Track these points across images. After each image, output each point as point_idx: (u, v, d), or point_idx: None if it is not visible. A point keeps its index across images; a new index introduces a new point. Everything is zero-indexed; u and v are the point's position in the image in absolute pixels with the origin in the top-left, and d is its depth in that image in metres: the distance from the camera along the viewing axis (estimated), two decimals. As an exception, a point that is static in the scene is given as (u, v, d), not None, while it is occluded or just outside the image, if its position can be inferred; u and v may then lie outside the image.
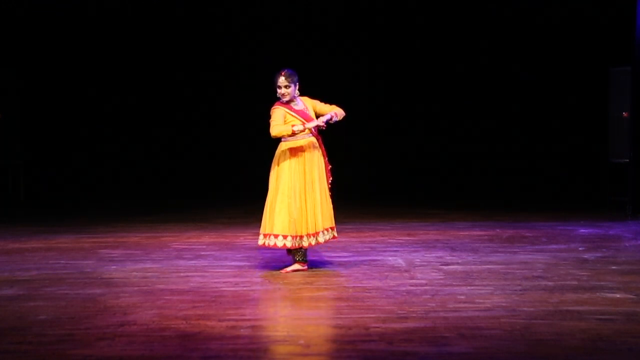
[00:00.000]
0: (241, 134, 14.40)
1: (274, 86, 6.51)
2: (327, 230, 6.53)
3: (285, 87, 6.46)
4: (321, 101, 6.66)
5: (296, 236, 6.43)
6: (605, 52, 13.13)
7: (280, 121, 6.45)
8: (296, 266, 6.59)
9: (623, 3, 11.89)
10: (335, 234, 6.64)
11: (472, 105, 14.55)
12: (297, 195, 6.43)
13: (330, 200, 6.58)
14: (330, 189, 6.60)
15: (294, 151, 6.48)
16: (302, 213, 6.42)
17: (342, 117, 6.57)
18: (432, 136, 14.72)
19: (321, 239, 6.50)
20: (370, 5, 14.32)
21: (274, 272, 6.60)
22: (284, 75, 6.47)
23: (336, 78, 13.95)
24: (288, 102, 6.53)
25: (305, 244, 6.47)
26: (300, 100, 6.61)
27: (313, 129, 6.47)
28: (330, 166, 6.63)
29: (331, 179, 6.63)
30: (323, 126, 6.47)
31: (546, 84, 14.23)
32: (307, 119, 6.48)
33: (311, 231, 6.47)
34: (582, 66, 13.75)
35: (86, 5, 13.93)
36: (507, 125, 14.48)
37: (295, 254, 6.58)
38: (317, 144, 6.56)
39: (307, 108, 6.57)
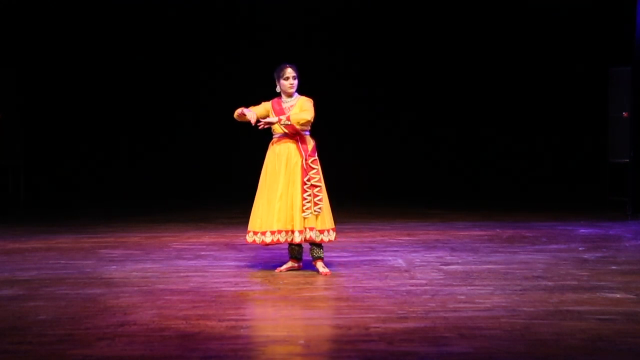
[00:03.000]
0: (242, 134, 14.39)
1: (276, 80, 6.49)
2: (275, 232, 6.34)
3: (294, 77, 6.45)
4: (312, 105, 6.45)
5: (250, 231, 6.47)
6: (605, 52, 13.13)
7: (258, 108, 6.54)
8: (289, 264, 6.63)
9: (623, 3, 11.90)
10: (287, 238, 6.36)
11: (472, 105, 14.55)
12: (264, 191, 6.47)
13: (298, 202, 6.31)
14: (316, 187, 6.35)
15: (269, 148, 6.55)
16: (260, 209, 6.44)
17: (297, 121, 6.31)
18: (432, 136, 14.72)
19: (267, 239, 6.36)
20: (361, 6, 14.31)
21: (274, 272, 6.60)
22: (291, 67, 6.46)
23: (336, 78, 13.96)
24: (285, 97, 6.50)
25: (250, 239, 6.45)
26: (296, 98, 6.53)
27: (285, 129, 6.38)
28: (313, 169, 6.37)
29: (314, 178, 6.35)
30: (267, 124, 6.40)
31: (546, 84, 14.23)
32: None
33: (257, 229, 6.41)
34: (582, 66, 13.75)
35: (87, 5, 13.92)
36: (507, 125, 14.48)
37: (290, 251, 6.63)
38: (294, 143, 6.43)
39: (291, 108, 6.45)
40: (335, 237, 6.54)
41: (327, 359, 4.18)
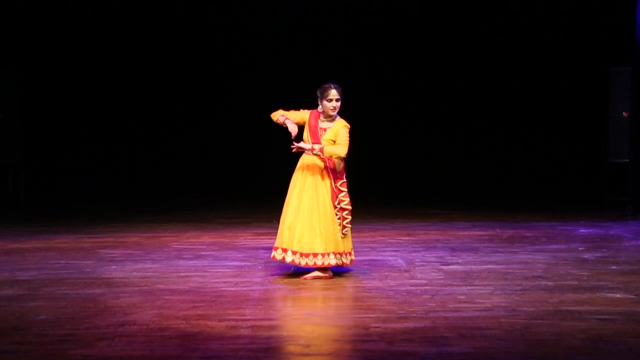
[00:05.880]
0: (243, 135, 14.40)
1: (319, 99, 6.32)
2: (298, 253, 6.16)
3: (337, 100, 6.29)
4: (347, 137, 6.27)
5: (277, 248, 6.32)
6: (605, 52, 13.13)
7: (295, 114, 6.40)
8: (317, 273, 6.31)
9: (623, 3, 11.89)
10: (315, 262, 6.15)
11: (472, 105, 14.55)
12: (287, 208, 6.35)
13: (327, 226, 6.20)
14: (342, 213, 6.25)
15: (299, 166, 6.42)
16: (282, 226, 6.32)
17: (329, 155, 6.21)
18: (432, 136, 14.72)
19: (288, 259, 6.20)
20: (369, 5, 14.33)
21: (274, 273, 6.60)
22: (336, 89, 6.30)
23: (337, 77, 13.93)
24: (324, 116, 6.34)
25: (277, 256, 6.28)
26: (335, 120, 6.34)
27: (309, 150, 6.25)
28: (342, 191, 6.28)
29: (343, 201, 6.25)
30: (300, 149, 6.27)
31: (546, 83, 14.23)
32: (316, 140, 6.30)
33: (278, 245, 6.28)
34: (582, 66, 13.75)
35: (87, 4, 13.90)
36: (507, 125, 14.47)
37: None
38: (323, 164, 6.29)
39: (326, 130, 6.31)
40: (351, 261, 6.43)
41: (327, 358, 4.18)
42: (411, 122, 14.70)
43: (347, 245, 6.35)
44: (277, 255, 6.29)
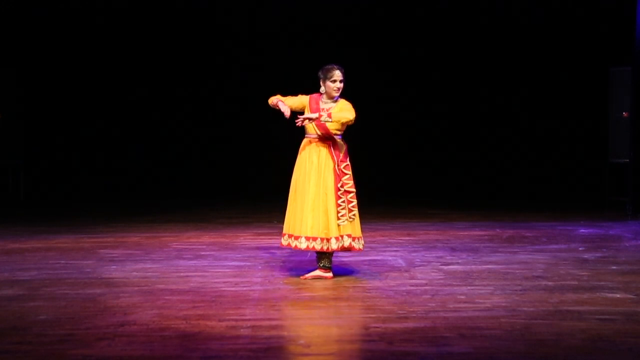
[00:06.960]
0: (243, 135, 14.40)
1: (321, 80, 6.25)
2: (310, 238, 6.11)
3: (341, 81, 6.22)
4: (352, 108, 6.23)
5: (284, 234, 6.31)
6: (605, 52, 13.13)
7: (294, 99, 6.35)
8: (318, 272, 6.31)
9: (623, 3, 11.90)
10: (323, 246, 6.12)
11: (473, 105, 14.55)
12: (295, 194, 6.31)
13: (333, 208, 6.11)
14: (348, 195, 6.17)
15: (301, 149, 6.35)
16: (292, 212, 6.29)
17: (337, 119, 6.11)
18: (433, 136, 14.72)
19: (302, 245, 6.15)
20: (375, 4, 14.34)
21: (274, 273, 6.60)
22: (340, 70, 6.23)
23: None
24: (326, 98, 6.27)
25: (284, 242, 6.28)
26: (339, 101, 6.28)
27: (317, 129, 6.19)
28: (345, 174, 6.19)
29: (347, 184, 6.18)
30: (308, 120, 6.15)
31: (547, 83, 14.23)
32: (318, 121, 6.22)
33: (291, 232, 6.23)
34: (582, 66, 13.75)
35: (87, 4, 13.90)
36: (507, 125, 14.48)
37: (319, 260, 6.31)
38: (325, 147, 6.22)
39: (328, 110, 6.20)
40: (363, 246, 6.36)
41: (328, 358, 4.17)
42: (411, 121, 14.70)
43: (355, 229, 6.22)
44: (293, 242, 6.21)
